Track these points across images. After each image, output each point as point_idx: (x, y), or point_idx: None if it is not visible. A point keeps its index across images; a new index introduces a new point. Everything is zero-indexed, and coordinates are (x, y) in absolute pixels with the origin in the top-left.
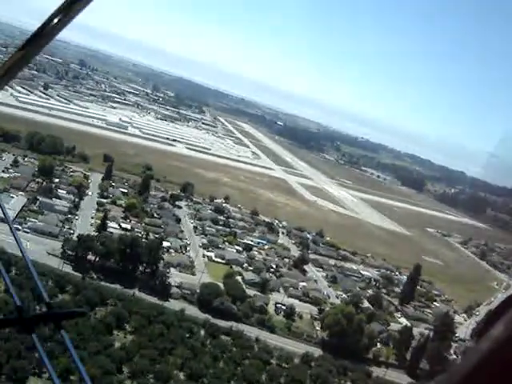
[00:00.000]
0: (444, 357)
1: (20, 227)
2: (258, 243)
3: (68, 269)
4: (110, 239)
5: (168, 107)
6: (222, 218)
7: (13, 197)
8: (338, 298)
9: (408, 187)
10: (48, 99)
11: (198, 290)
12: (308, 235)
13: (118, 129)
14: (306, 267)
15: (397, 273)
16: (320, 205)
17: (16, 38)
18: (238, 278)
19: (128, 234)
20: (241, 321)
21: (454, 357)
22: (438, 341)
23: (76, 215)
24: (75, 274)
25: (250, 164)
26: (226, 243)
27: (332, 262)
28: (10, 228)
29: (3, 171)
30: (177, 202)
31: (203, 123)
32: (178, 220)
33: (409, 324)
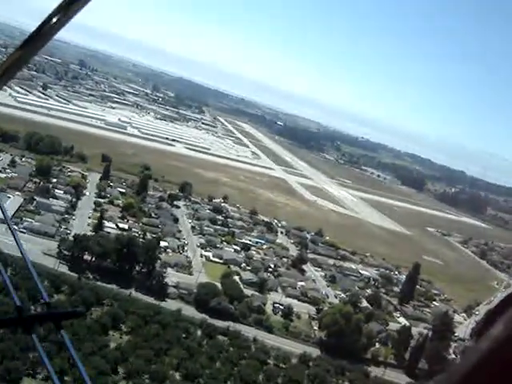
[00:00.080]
0: (443, 356)
1: (16, 227)
2: (257, 243)
3: (64, 269)
4: (106, 239)
5: (168, 107)
6: (220, 217)
7: (9, 197)
8: (336, 297)
9: (408, 187)
10: (47, 99)
11: (195, 290)
12: (307, 235)
13: (116, 129)
14: (304, 267)
15: (396, 272)
16: (320, 204)
17: (16, 39)
18: (236, 277)
19: (125, 233)
20: (238, 321)
21: (453, 356)
22: (437, 340)
23: (73, 215)
24: (71, 274)
25: (250, 164)
26: (224, 243)
27: (331, 261)
28: (10, 228)
29: (0, 171)
30: (175, 202)
31: (203, 123)
32: (176, 220)
33: (408, 323)
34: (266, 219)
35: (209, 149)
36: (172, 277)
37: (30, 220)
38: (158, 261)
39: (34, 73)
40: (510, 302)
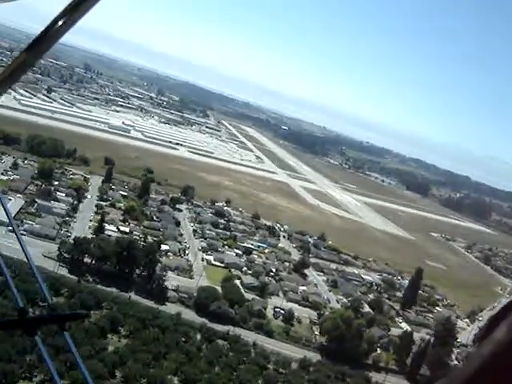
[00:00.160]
0: (445, 363)
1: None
2: (259, 247)
3: (64, 271)
4: (106, 242)
5: (172, 111)
6: (222, 221)
7: (10, 199)
8: (338, 302)
9: (413, 192)
10: (51, 102)
11: (195, 294)
12: (309, 239)
13: (120, 132)
14: (306, 271)
15: (399, 277)
16: (323, 209)
17: (21, 42)
18: (237, 281)
19: (125, 236)
20: (238, 325)
21: (456, 362)
22: (439, 346)
23: (74, 218)
24: (71, 276)
25: (253, 168)
26: (226, 247)
27: (333, 266)
28: (14, 231)
29: (2, 173)
30: (177, 205)
31: (207, 127)
32: (178, 223)
33: (410, 329)
34: (268, 223)
35: (212, 152)
36: (172, 280)
37: (31, 222)
38: (159, 264)
39: (39, 76)
40: None
